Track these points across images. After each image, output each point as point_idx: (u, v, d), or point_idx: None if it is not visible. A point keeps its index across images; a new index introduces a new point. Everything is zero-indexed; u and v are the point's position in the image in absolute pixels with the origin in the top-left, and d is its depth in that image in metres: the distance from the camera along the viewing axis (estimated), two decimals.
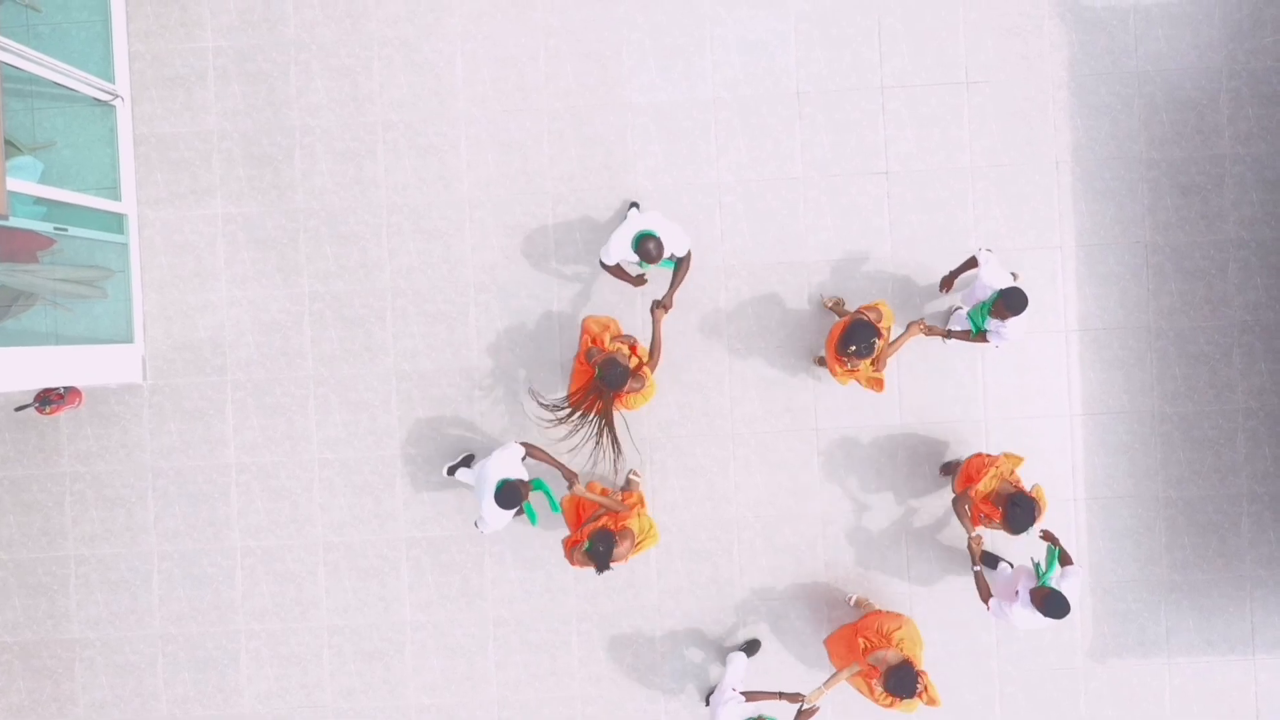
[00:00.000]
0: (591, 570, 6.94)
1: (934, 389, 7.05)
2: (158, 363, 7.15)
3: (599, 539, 5.87)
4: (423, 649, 7.14)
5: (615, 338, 6.38)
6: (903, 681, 5.74)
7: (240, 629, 7.17)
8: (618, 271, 6.36)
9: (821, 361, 6.89)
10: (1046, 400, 7.05)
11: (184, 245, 7.15)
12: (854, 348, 5.94)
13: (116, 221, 7.01)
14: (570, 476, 6.18)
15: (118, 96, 6.98)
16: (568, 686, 7.13)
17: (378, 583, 7.15)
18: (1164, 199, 7.06)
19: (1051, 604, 5.72)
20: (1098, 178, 7.05)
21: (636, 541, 6.13)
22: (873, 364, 6.13)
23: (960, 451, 7.02)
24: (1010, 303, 5.96)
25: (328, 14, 7.10)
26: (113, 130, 7.02)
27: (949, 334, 6.28)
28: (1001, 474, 6.05)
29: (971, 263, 6.38)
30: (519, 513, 6.15)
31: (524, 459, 6.12)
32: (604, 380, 5.93)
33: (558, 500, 6.45)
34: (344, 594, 7.15)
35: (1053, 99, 7.06)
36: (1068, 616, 5.83)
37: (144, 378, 7.14)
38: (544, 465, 6.50)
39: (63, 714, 7.16)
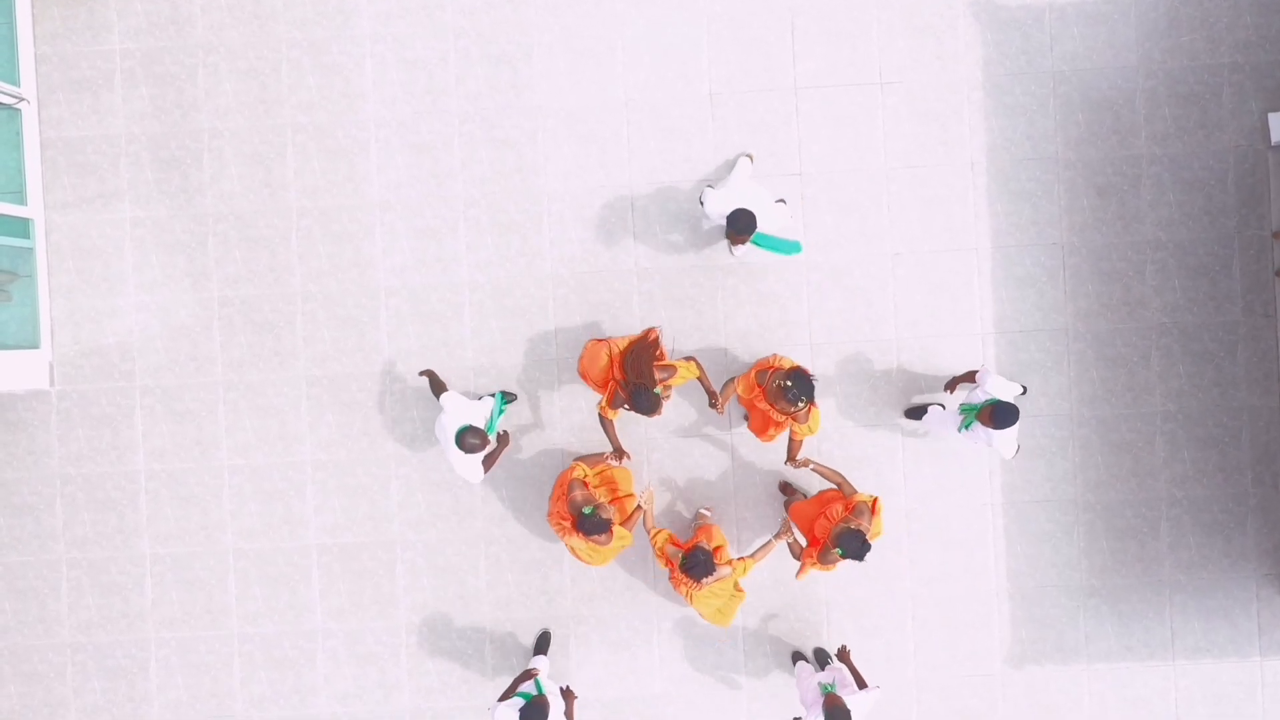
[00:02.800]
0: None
1: (848, 392, 6.98)
2: (65, 369, 7.08)
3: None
4: (334, 657, 7.06)
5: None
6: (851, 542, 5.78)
7: (150, 637, 7.09)
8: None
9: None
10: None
11: (91, 250, 7.08)
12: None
13: (22, 226, 6.94)
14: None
15: (23, 99, 6.91)
16: (480, 694, 7.05)
17: (288, 590, 7.07)
18: (1080, 200, 6.99)
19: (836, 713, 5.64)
20: (1013, 179, 6.99)
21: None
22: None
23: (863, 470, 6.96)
24: (997, 416, 5.91)
25: (235, 16, 7.04)
26: (18, 133, 6.96)
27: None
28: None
29: (969, 377, 6.32)
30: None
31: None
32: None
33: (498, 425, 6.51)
34: (254, 601, 7.07)
35: (968, 99, 7.00)
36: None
37: (51, 384, 7.06)
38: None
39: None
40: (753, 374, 6.11)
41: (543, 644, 6.93)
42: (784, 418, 6.04)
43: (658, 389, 5.97)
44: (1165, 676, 7.01)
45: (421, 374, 6.58)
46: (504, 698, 5.95)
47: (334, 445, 7.05)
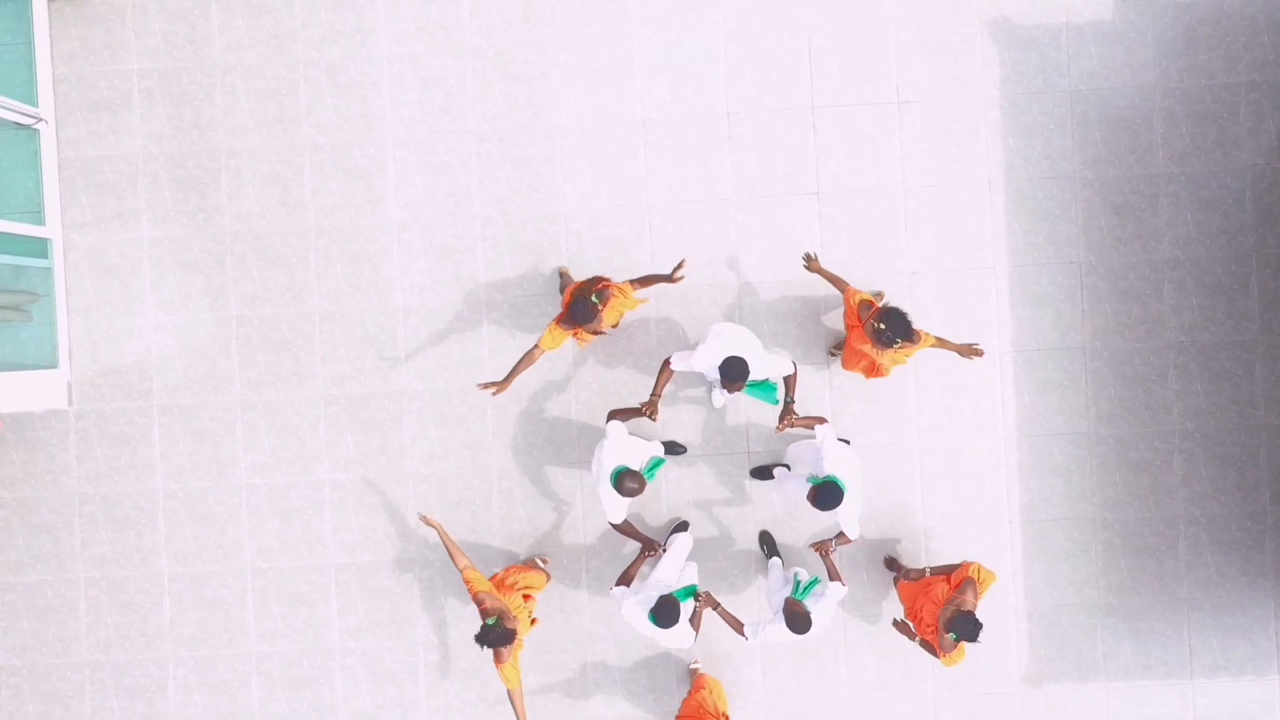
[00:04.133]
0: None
1: (866, 412, 6.99)
2: (83, 388, 7.09)
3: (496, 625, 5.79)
4: (352, 674, 7.06)
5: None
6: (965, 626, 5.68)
7: (169, 656, 7.10)
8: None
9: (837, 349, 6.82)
10: (980, 422, 6.98)
11: (109, 269, 7.09)
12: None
13: (41, 246, 6.94)
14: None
15: (41, 120, 6.92)
16: (504, 714, 7.05)
17: (306, 609, 7.08)
18: (1098, 219, 6.99)
19: (796, 620, 5.66)
20: (1031, 198, 6.99)
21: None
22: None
23: (897, 477, 6.96)
24: (820, 497, 5.67)
25: (253, 36, 7.04)
26: (36, 154, 6.97)
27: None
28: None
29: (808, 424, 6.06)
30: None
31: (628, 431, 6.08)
32: (573, 314, 5.80)
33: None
34: (272, 620, 7.07)
35: (985, 118, 7.00)
36: (809, 632, 5.75)
37: (69, 403, 7.07)
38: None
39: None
40: (854, 304, 5.97)
41: (682, 528, 6.87)
42: (886, 356, 5.98)
43: (594, 297, 5.78)
44: (1183, 695, 7.01)
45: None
46: (623, 581, 5.98)
47: (352, 464, 7.05)
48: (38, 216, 6.96)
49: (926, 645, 6.06)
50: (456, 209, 7.04)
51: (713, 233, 7.00)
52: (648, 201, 7.02)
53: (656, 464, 6.12)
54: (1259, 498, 6.97)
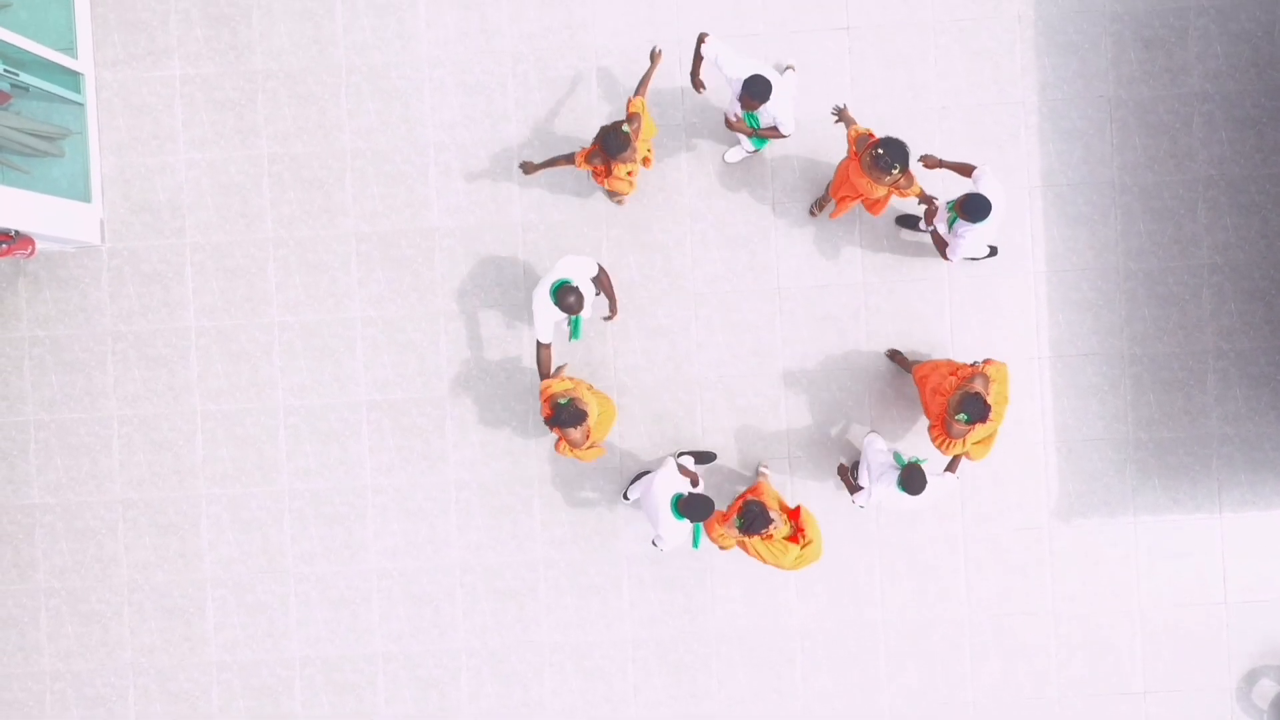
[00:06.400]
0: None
1: (897, 247, 7.01)
2: (116, 226, 7.11)
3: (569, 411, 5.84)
4: (383, 512, 7.10)
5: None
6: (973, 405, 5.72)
7: (201, 494, 7.13)
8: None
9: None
10: (1010, 258, 7.00)
11: (142, 107, 7.11)
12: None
13: (74, 81, 6.96)
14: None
15: None
16: (530, 551, 7.09)
17: (338, 446, 7.11)
18: (1127, 52, 7.00)
19: (914, 478, 5.83)
20: (1060, 32, 7.00)
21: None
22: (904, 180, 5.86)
23: (916, 333, 6.98)
24: (968, 207, 5.77)
25: None
26: None
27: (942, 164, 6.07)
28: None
29: (964, 170, 6.10)
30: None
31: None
32: (605, 147, 5.85)
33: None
34: (304, 457, 7.10)
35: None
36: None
37: (102, 240, 7.10)
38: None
39: (23, 579, 7.12)
40: (851, 141, 6.00)
41: (706, 458, 6.97)
42: (883, 189, 5.96)
43: (624, 126, 5.85)
44: (1212, 529, 7.03)
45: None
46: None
47: (383, 301, 7.08)
48: (70, 53, 6.97)
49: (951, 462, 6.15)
50: (487, 45, 7.06)
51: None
52: (677, 36, 7.03)
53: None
54: None
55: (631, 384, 7.03)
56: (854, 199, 6.38)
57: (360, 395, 7.11)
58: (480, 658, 7.09)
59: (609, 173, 6.06)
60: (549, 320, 5.99)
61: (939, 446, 6.05)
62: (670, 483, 5.95)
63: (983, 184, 5.85)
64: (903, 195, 5.91)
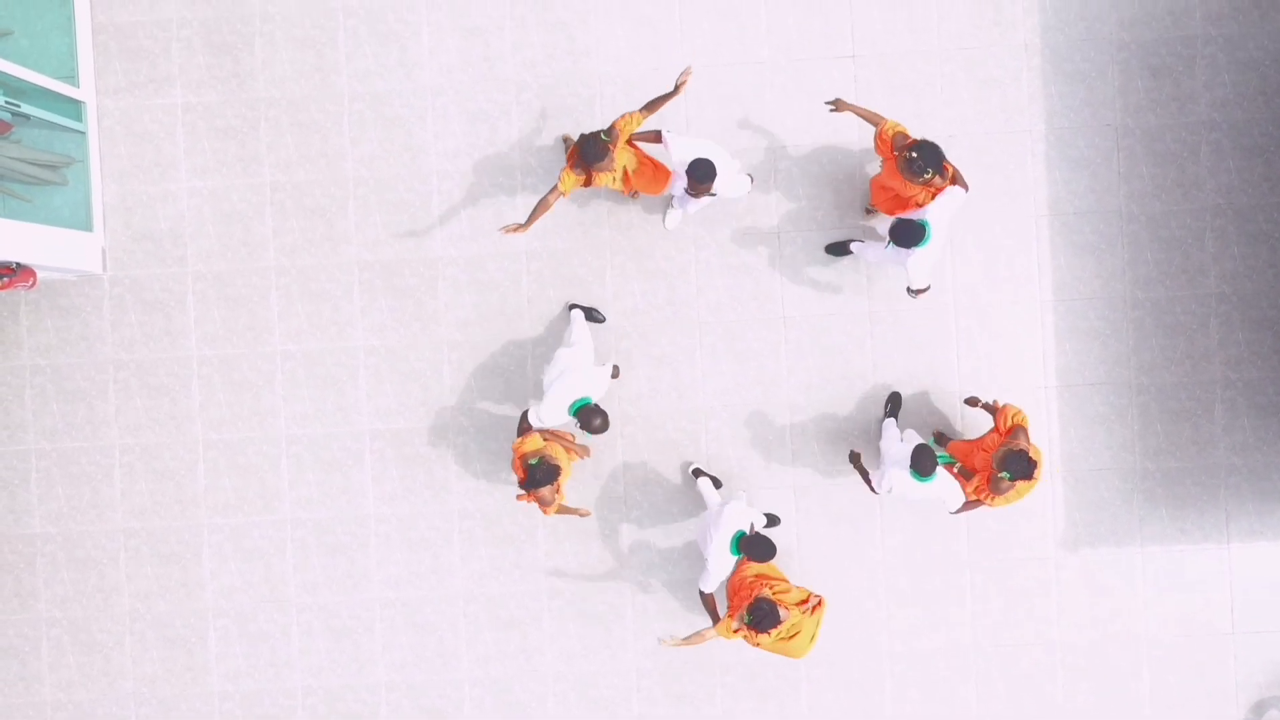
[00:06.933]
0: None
1: (899, 275, 6.97)
2: (117, 254, 7.08)
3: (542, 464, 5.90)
4: (386, 541, 7.06)
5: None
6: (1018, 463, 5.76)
7: (203, 523, 7.10)
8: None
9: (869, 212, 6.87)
10: (1017, 284, 6.97)
11: (143, 135, 7.08)
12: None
13: (75, 109, 6.93)
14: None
15: None
16: (534, 580, 7.05)
17: (341, 475, 7.07)
18: (1134, 81, 6.96)
19: (923, 458, 5.81)
20: (1067, 60, 6.96)
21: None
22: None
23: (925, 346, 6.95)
24: (897, 233, 5.83)
25: None
26: (70, 18, 6.94)
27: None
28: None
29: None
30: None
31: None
32: (582, 154, 5.87)
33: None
34: (307, 486, 7.07)
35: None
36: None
37: (104, 268, 7.06)
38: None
39: (24, 608, 7.09)
40: (888, 136, 5.92)
41: (773, 522, 6.98)
42: (915, 190, 5.92)
43: (602, 134, 5.83)
44: (1220, 559, 6.99)
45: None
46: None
47: (386, 330, 7.04)
48: (72, 82, 6.94)
49: (971, 504, 6.09)
50: (490, 72, 7.02)
51: (748, 95, 6.97)
52: (682, 63, 6.99)
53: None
54: None
55: (635, 413, 7.00)
56: (897, 203, 6.26)
57: (363, 424, 7.07)
58: (484, 687, 7.06)
59: (589, 182, 6.07)
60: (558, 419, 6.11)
61: (983, 501, 6.02)
62: (741, 516, 6.01)
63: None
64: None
